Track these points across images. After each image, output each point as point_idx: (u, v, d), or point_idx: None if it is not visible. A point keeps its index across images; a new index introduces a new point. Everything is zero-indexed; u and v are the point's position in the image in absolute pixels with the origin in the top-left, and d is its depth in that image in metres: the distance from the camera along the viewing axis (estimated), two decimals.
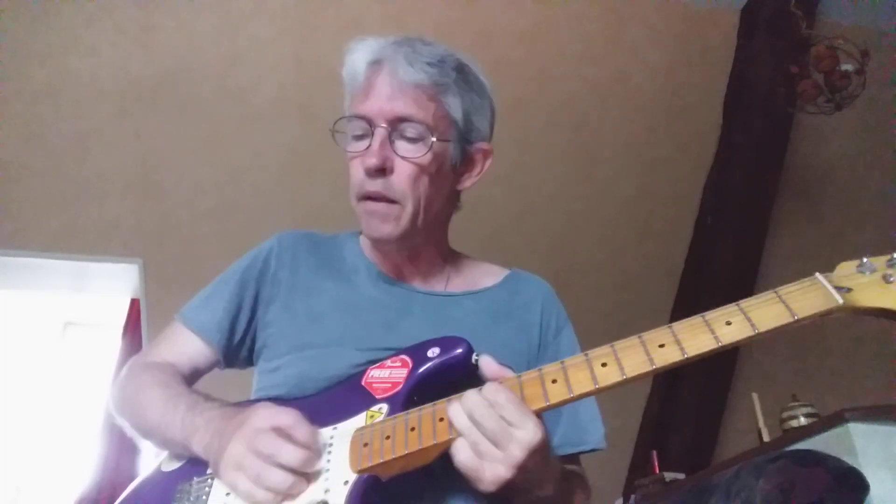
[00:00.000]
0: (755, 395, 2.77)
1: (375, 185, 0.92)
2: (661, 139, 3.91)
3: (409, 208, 0.93)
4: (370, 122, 0.92)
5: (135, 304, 3.99)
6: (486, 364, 0.76)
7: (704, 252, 3.96)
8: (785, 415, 2.45)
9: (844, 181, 4.11)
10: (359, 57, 0.95)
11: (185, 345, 1.00)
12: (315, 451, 0.74)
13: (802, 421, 2.38)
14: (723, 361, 3.98)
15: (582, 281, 3.93)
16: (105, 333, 4.70)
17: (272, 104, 3.46)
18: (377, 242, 0.99)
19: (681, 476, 2.95)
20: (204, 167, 3.52)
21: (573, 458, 0.96)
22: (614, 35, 3.72)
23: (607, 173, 3.93)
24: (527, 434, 0.68)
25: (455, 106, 0.95)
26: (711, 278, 3.84)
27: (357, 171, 0.94)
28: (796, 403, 2.46)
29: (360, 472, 0.73)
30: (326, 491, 0.73)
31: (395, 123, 0.91)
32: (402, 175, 0.92)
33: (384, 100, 0.91)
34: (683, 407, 3.92)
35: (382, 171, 0.91)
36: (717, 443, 4.01)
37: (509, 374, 0.75)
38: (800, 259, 4.01)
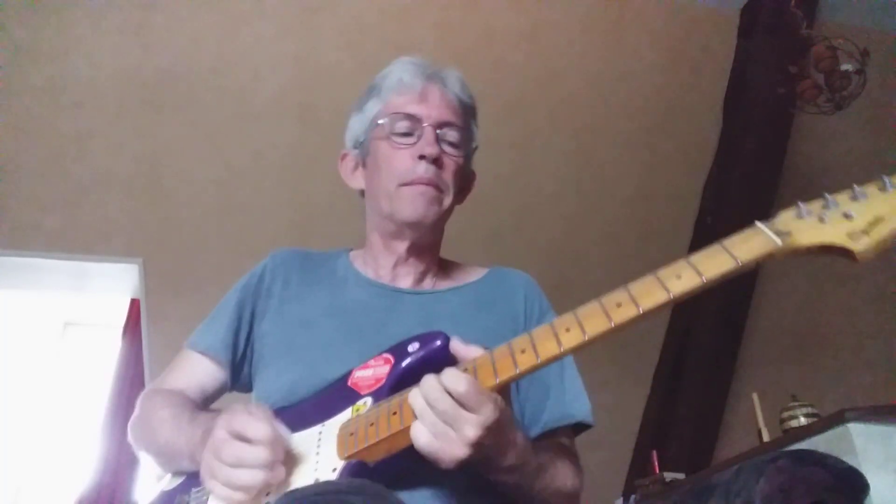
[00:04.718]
0: (755, 395, 2.77)
1: (430, 172, 1.03)
2: (661, 139, 3.91)
3: (450, 198, 1.06)
4: (419, 121, 1.05)
5: (135, 304, 3.99)
6: (455, 346, 0.80)
7: None
8: (785, 415, 2.45)
9: (844, 181, 4.03)
10: (415, 69, 1.09)
11: (194, 368, 1.05)
12: (274, 439, 0.77)
13: (802, 421, 2.38)
14: (722, 361, 3.98)
15: (582, 281, 3.93)
16: (105, 333, 4.70)
17: (272, 104, 3.46)
18: (414, 225, 1.05)
19: (681, 476, 2.94)
20: (204, 167, 3.51)
21: (564, 432, 1.01)
22: (614, 35, 3.72)
23: (607, 173, 3.93)
24: (481, 416, 0.71)
25: (474, 130, 1.13)
26: None
27: (403, 160, 1.04)
28: (796, 403, 2.46)
29: (347, 458, 0.77)
30: (316, 480, 0.76)
31: (441, 127, 1.05)
32: (448, 169, 1.05)
33: (436, 106, 1.06)
34: (683, 407, 3.91)
35: (437, 160, 1.03)
36: (717, 443, 4.01)
37: (478, 350, 0.78)
38: (799, 259, 4.00)
